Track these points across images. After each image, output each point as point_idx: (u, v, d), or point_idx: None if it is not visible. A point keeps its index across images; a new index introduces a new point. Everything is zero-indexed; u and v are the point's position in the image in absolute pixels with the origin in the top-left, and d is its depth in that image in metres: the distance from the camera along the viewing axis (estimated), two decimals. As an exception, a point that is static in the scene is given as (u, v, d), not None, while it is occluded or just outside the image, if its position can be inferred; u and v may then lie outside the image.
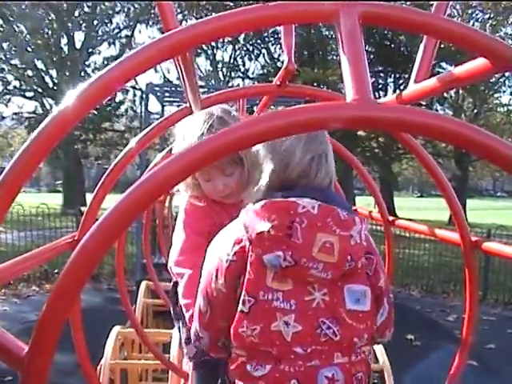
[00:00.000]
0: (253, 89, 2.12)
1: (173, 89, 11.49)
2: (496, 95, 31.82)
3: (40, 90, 28.18)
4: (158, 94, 11.17)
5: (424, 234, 2.44)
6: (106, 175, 1.99)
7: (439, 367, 3.21)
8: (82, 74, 27.71)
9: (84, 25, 27.93)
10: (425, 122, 0.74)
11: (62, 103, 0.92)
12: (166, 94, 11.37)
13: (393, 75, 27.71)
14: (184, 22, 23.06)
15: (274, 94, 1.88)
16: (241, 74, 30.18)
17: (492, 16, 26.72)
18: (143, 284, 6.20)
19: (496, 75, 27.37)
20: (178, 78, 1.87)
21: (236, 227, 1.70)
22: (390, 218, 2.87)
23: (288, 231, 1.57)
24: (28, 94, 29.02)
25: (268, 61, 29.44)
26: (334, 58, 25.73)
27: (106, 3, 27.59)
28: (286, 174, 1.71)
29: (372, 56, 25.52)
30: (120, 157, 2.02)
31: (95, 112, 27.44)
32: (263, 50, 29.54)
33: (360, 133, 24.80)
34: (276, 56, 28.88)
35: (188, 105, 1.95)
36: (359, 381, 1.66)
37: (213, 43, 28.87)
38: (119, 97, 29.59)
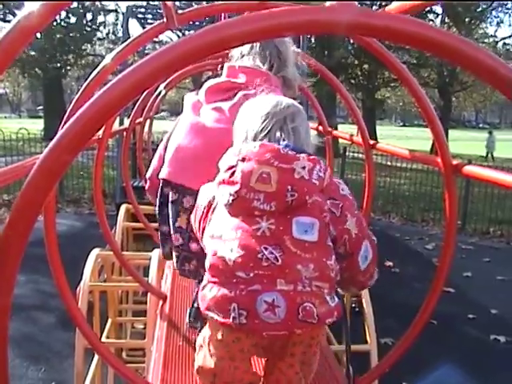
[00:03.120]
0: (232, 5, 2.03)
1: (154, 11, 11.22)
2: (482, 26, 31.53)
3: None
4: (139, 15, 10.94)
5: (404, 158, 2.42)
6: (80, 92, 1.92)
7: (416, 294, 3.26)
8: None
9: None
10: (410, 29, 0.70)
11: (25, 9, 0.88)
12: (148, 16, 11.15)
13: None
14: None
15: (255, 10, 1.80)
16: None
17: None
18: (123, 207, 6.18)
19: (482, 5, 27.05)
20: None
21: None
22: (371, 142, 2.84)
23: (233, 169, 1.74)
24: (9, 18, 28.26)
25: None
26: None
27: None
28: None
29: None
30: (95, 73, 1.94)
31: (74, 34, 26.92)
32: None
33: (344, 60, 24.56)
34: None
35: (164, 20, 1.88)
36: (307, 311, 1.67)
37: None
38: (100, 19, 28.92)
